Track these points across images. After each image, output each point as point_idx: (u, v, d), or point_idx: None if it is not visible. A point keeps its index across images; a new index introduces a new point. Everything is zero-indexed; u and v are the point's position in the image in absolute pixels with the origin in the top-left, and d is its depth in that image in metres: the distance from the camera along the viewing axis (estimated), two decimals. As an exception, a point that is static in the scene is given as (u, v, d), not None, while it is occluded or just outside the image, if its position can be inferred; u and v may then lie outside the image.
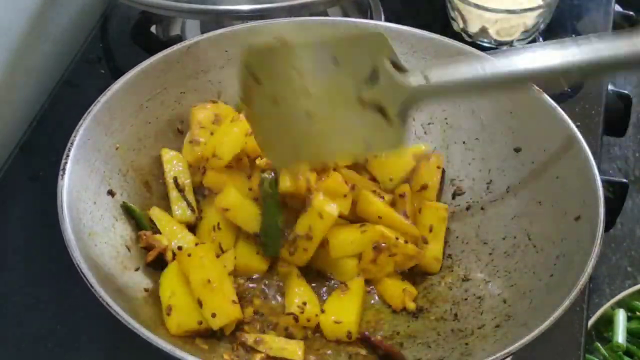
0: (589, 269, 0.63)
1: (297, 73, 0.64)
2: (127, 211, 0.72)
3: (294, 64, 0.64)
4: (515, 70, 0.61)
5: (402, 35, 0.82)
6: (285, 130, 0.66)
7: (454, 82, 0.62)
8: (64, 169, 0.66)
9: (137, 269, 0.69)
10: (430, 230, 0.75)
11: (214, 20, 0.98)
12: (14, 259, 0.82)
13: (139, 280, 0.68)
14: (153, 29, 1.07)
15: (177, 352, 0.57)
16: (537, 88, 0.75)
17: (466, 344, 0.67)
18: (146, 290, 0.68)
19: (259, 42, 0.67)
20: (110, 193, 0.72)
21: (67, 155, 0.67)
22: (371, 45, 0.62)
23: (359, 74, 0.62)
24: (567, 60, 0.60)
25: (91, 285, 0.59)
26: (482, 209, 0.78)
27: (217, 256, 0.70)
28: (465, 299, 0.72)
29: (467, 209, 0.78)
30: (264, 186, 0.71)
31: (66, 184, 0.66)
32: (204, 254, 0.67)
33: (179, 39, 1.04)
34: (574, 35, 1.08)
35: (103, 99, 0.72)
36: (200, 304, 0.66)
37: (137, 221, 0.73)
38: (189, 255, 0.67)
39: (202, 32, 0.98)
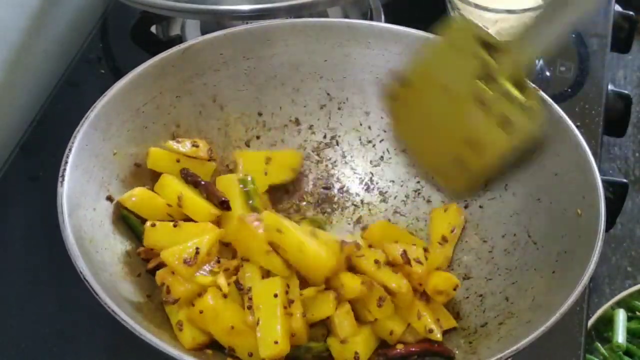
0: (592, 264, 0.63)
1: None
2: (123, 220, 0.72)
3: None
4: None
5: (399, 35, 0.82)
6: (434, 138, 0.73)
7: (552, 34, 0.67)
8: (63, 176, 0.66)
9: (138, 275, 0.69)
10: (452, 231, 0.75)
11: (214, 20, 0.98)
12: (14, 259, 0.81)
13: (140, 287, 0.68)
14: (153, 29, 1.07)
15: (185, 358, 0.57)
16: (534, 86, 0.75)
17: (470, 342, 0.67)
18: (149, 296, 0.68)
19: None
20: (109, 199, 0.71)
21: (66, 162, 0.67)
22: (463, 40, 0.69)
23: (469, 74, 0.68)
24: None
25: (96, 293, 0.59)
26: (480, 207, 0.78)
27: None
28: (467, 297, 0.72)
29: (466, 207, 0.78)
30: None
31: (66, 191, 0.65)
32: (215, 303, 0.64)
33: (179, 39, 1.04)
34: (573, 36, 1.08)
35: (99, 104, 0.72)
36: (232, 350, 0.64)
37: (133, 230, 0.71)
38: (201, 312, 0.64)
39: (202, 32, 0.98)
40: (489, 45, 0.68)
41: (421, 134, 0.75)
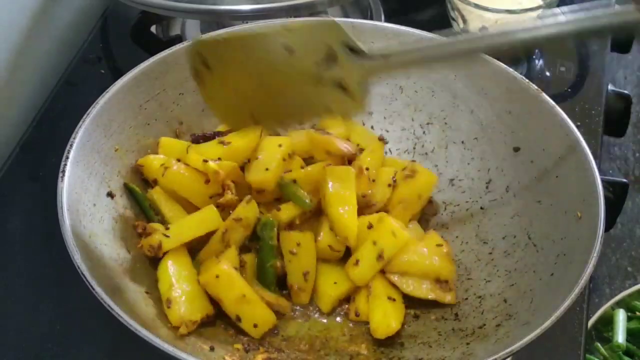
0: (590, 267, 0.63)
1: (248, 59, 0.70)
2: (129, 192, 0.73)
3: (247, 53, 0.70)
4: (471, 40, 0.69)
5: (401, 36, 0.82)
6: (241, 103, 0.73)
7: (410, 52, 0.70)
8: (63, 171, 0.66)
9: (137, 271, 0.69)
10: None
11: (214, 20, 0.98)
12: (14, 259, 0.82)
13: (139, 282, 0.68)
14: (153, 29, 1.07)
15: (179, 353, 0.57)
16: (536, 87, 0.75)
17: (467, 343, 0.67)
18: (147, 292, 0.68)
19: (210, 35, 0.75)
20: (110, 195, 0.72)
21: (67, 157, 0.67)
22: (324, 33, 0.68)
23: (314, 58, 0.68)
24: (532, 35, 0.65)
25: (92, 287, 0.59)
26: (481, 208, 0.78)
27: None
28: (466, 299, 0.72)
29: (467, 209, 0.78)
30: (258, 230, 0.71)
31: (66, 186, 0.66)
32: (230, 270, 0.67)
33: (179, 39, 1.04)
34: (573, 36, 1.08)
35: (102, 100, 0.72)
36: (239, 319, 0.67)
37: (139, 203, 0.73)
38: (217, 276, 0.66)
39: (202, 32, 0.98)
40: (349, 46, 0.69)
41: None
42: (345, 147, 0.76)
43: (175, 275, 0.68)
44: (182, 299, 0.67)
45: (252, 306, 0.67)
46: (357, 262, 0.71)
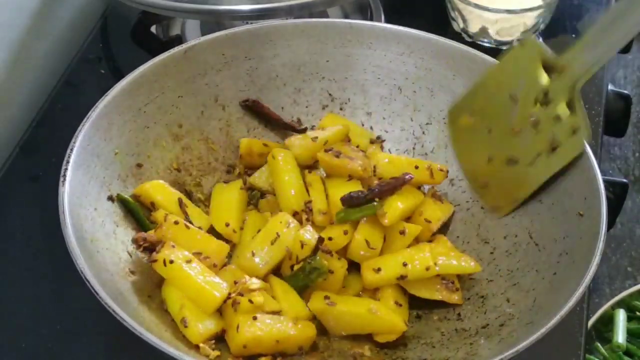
0: (593, 265, 0.63)
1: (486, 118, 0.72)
2: (125, 206, 0.72)
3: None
4: None
5: (401, 36, 0.82)
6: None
7: (607, 48, 0.65)
8: (64, 176, 0.66)
9: (139, 275, 0.69)
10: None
11: (214, 20, 0.98)
12: (14, 259, 0.81)
13: (141, 286, 0.68)
14: (153, 29, 1.07)
15: (187, 359, 0.57)
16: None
17: (471, 343, 0.67)
18: (149, 296, 0.68)
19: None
20: (111, 199, 0.71)
21: (68, 162, 0.67)
22: (524, 63, 0.69)
23: (533, 98, 0.69)
24: None
25: (97, 292, 0.59)
26: (482, 208, 0.78)
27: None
28: (468, 299, 0.72)
29: (467, 208, 0.78)
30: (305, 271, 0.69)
31: (67, 191, 0.65)
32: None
33: (179, 39, 1.04)
34: (574, 36, 1.08)
35: (101, 104, 0.72)
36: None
37: (133, 214, 0.72)
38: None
39: (202, 33, 0.98)
40: (548, 65, 0.68)
41: (474, 156, 0.77)
42: (360, 165, 0.74)
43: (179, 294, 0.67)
44: (196, 316, 0.66)
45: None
46: (378, 270, 0.70)
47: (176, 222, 0.69)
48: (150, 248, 0.70)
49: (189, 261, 0.67)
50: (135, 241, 0.70)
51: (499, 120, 0.73)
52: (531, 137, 0.70)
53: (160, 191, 0.74)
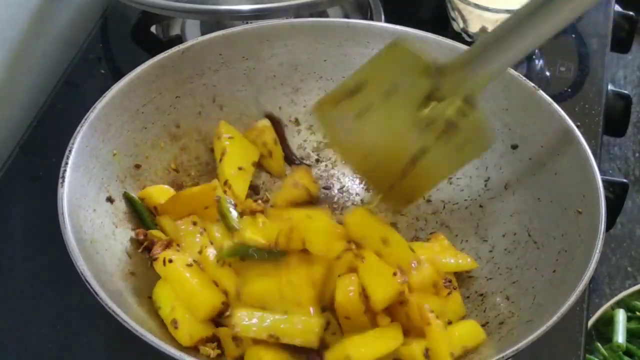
0: (592, 262, 0.62)
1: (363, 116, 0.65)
2: (130, 203, 0.73)
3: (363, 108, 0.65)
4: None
5: (399, 35, 0.82)
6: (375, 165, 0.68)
7: (504, 56, 0.59)
8: (63, 177, 0.66)
9: (139, 276, 0.69)
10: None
11: (214, 20, 0.98)
12: (14, 259, 0.81)
13: (141, 287, 0.68)
14: (153, 29, 1.07)
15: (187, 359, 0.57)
16: (533, 84, 0.75)
17: (470, 341, 0.67)
18: (149, 297, 0.68)
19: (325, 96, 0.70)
20: (109, 200, 0.71)
21: (66, 163, 0.67)
22: (406, 64, 0.62)
23: (415, 99, 0.62)
24: None
25: (97, 294, 0.59)
26: (480, 206, 0.78)
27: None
28: (468, 297, 0.72)
29: (466, 207, 0.78)
30: None
31: (66, 192, 0.65)
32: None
33: (179, 39, 1.04)
34: (573, 36, 1.08)
35: (99, 105, 0.72)
36: None
37: (138, 213, 0.73)
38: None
39: (202, 33, 0.98)
40: (433, 68, 0.62)
41: (358, 150, 0.70)
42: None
43: (174, 296, 0.67)
44: (187, 318, 0.65)
45: None
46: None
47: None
48: (149, 247, 0.70)
49: (189, 265, 0.67)
50: (136, 234, 0.71)
51: (382, 114, 0.66)
52: (418, 135, 0.64)
53: (164, 196, 0.74)
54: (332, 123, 0.70)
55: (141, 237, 0.71)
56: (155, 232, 0.71)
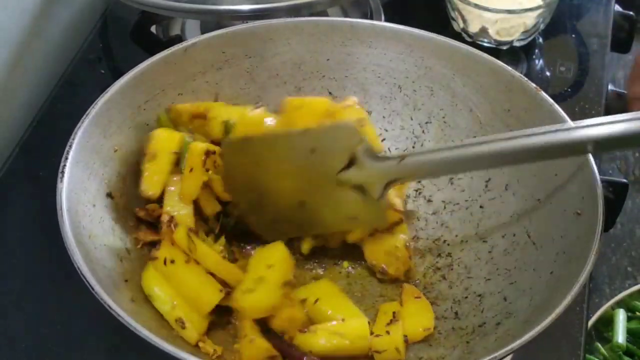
0: (589, 264, 0.62)
1: (275, 160, 0.71)
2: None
3: (271, 153, 0.71)
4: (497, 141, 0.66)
5: (401, 35, 0.82)
6: (270, 209, 0.73)
7: (428, 162, 0.68)
8: (62, 172, 0.66)
9: (137, 271, 0.69)
10: None
11: (214, 20, 0.98)
12: (14, 259, 0.81)
13: (139, 284, 0.68)
14: (153, 29, 1.07)
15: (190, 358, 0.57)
16: (535, 85, 0.75)
17: (467, 342, 0.67)
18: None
19: (236, 136, 0.74)
20: (110, 195, 0.72)
21: (66, 158, 0.67)
22: (344, 136, 0.69)
23: (336, 161, 0.69)
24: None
25: (93, 288, 0.59)
26: (480, 207, 0.78)
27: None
28: (466, 297, 0.72)
29: (466, 207, 0.78)
30: None
31: (65, 187, 0.65)
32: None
33: (179, 39, 1.04)
34: (573, 36, 1.08)
35: (100, 101, 0.72)
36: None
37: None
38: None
39: (202, 32, 0.98)
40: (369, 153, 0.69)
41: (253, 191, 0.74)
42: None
43: (174, 292, 0.67)
44: (192, 316, 0.66)
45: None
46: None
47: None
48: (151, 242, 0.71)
49: (187, 261, 0.67)
50: (135, 212, 0.71)
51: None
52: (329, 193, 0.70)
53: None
54: (235, 162, 0.73)
55: (142, 214, 0.71)
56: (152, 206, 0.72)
